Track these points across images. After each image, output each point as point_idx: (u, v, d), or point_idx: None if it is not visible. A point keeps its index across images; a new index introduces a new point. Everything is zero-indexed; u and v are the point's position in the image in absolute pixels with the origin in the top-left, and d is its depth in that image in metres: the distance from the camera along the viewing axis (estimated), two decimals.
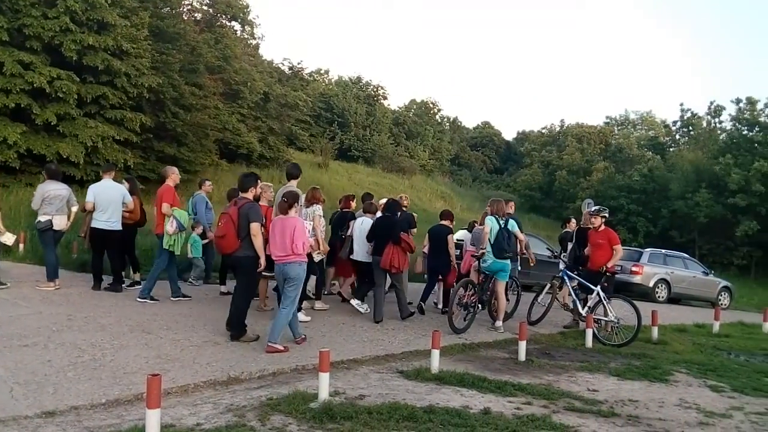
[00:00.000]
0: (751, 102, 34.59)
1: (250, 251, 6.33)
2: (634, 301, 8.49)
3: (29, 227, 10.44)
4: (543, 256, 12.72)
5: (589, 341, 8.15)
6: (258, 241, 6.30)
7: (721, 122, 39.91)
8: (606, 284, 8.65)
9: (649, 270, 16.03)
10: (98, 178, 8.77)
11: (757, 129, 33.85)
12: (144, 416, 3.64)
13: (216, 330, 6.77)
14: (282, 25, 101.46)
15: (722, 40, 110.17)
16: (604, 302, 8.45)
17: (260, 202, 7.14)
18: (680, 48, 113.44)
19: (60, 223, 8.16)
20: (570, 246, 10.06)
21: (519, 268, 9.90)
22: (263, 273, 6.81)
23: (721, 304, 16.49)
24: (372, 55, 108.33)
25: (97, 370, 5.06)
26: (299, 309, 7.41)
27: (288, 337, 6.49)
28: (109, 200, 8.25)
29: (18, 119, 15.12)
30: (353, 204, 9.88)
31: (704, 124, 42.17)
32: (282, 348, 6.18)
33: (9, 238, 8.51)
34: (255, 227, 6.29)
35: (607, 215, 9.14)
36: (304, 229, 6.51)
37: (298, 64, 43.46)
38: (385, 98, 46.40)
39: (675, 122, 45.74)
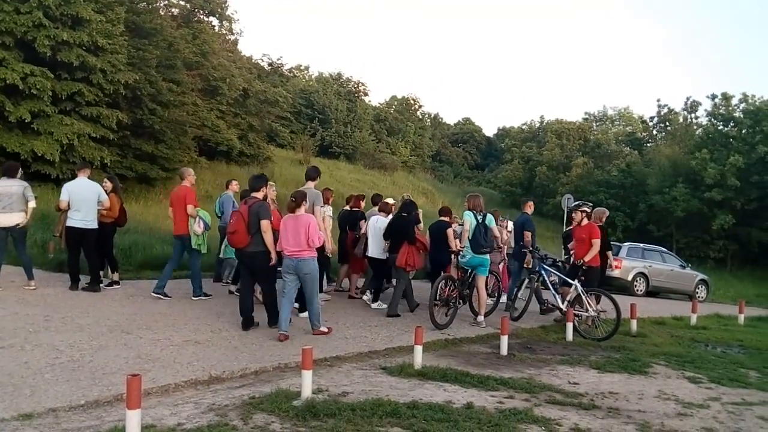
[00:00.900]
0: (726, 97, 35.11)
1: (260, 246, 6.81)
2: (613, 295, 8.58)
3: None
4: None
5: (569, 335, 8.24)
6: (268, 237, 6.77)
7: (697, 118, 40.63)
8: (583, 278, 8.67)
9: (627, 264, 16.26)
10: (75, 177, 8.62)
11: (732, 124, 34.48)
12: (124, 417, 3.59)
13: (197, 329, 6.72)
14: (261, 21, 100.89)
15: (699, 36, 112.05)
16: (584, 296, 8.52)
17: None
18: (658, 44, 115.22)
19: (7, 221, 7.84)
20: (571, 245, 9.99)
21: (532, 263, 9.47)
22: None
23: (699, 296, 16.76)
24: (352, 51, 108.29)
25: (75, 371, 4.97)
26: (300, 309, 7.76)
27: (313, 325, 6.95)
28: (83, 199, 8.13)
29: None
30: (362, 204, 10.37)
31: (681, 119, 42.85)
32: (326, 330, 6.99)
33: None
34: (265, 224, 6.77)
35: (588, 209, 9.16)
36: (317, 226, 6.94)
37: (278, 60, 43.35)
38: (366, 95, 46.44)
39: (652, 118, 46.54)
